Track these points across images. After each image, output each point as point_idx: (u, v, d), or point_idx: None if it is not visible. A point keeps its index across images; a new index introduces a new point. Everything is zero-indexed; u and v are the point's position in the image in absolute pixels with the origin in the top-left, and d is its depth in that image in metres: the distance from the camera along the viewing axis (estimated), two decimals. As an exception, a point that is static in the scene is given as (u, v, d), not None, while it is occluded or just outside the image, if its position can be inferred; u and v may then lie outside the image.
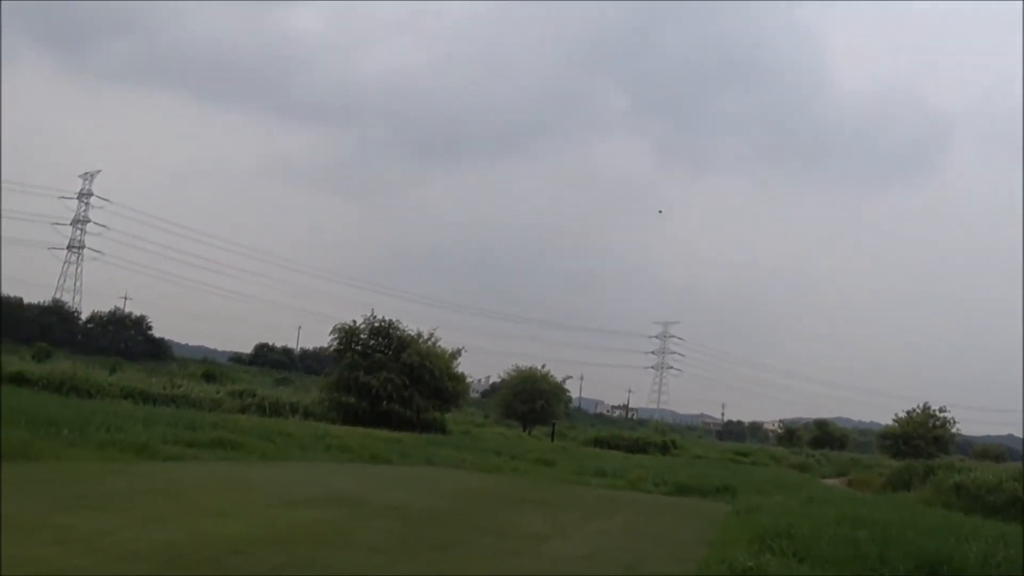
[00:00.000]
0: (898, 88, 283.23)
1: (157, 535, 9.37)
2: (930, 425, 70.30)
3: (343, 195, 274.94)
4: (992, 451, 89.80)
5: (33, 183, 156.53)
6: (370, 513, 13.38)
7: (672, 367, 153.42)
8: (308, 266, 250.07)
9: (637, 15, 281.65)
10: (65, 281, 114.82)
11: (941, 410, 71.87)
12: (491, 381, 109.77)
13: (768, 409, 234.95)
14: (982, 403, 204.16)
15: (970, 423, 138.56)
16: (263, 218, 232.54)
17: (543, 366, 63.06)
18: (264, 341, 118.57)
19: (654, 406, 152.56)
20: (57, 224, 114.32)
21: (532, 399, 59.26)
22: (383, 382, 39.44)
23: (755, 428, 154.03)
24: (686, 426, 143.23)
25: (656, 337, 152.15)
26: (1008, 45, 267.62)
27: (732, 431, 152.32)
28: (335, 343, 42.91)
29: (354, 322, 42.90)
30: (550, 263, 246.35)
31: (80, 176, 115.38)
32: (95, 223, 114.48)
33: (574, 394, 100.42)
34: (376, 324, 42.61)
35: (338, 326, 42.74)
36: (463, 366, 44.82)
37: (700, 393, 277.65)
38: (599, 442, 55.80)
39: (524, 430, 60.52)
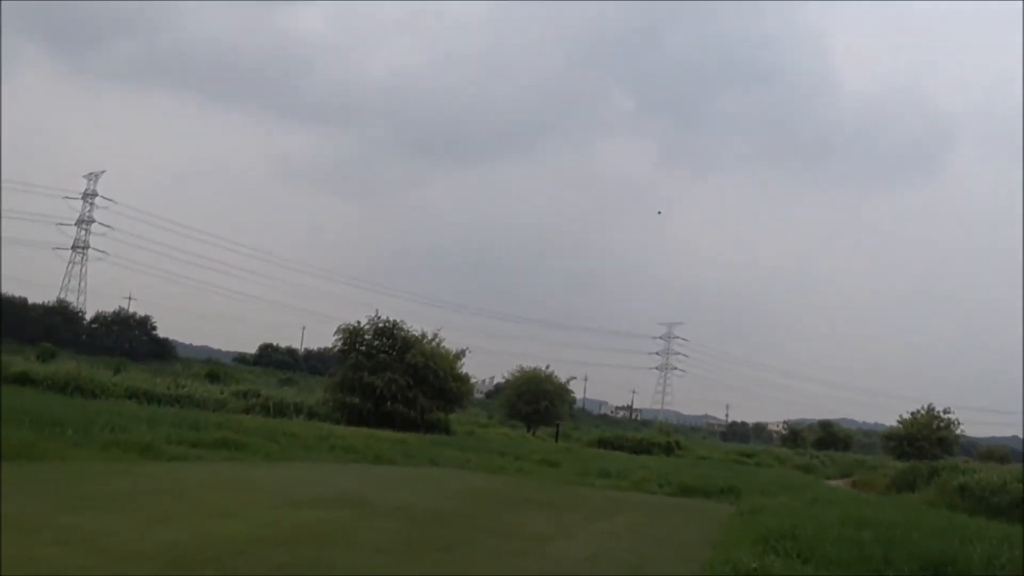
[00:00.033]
0: (900, 88, 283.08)
1: (161, 535, 9.38)
2: (934, 426, 70.28)
3: (345, 195, 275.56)
4: (996, 452, 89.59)
5: (37, 183, 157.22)
6: (374, 514, 13.37)
7: (676, 368, 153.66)
8: (311, 266, 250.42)
9: (640, 15, 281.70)
10: (69, 281, 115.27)
11: (945, 411, 71.95)
12: (495, 382, 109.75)
13: (772, 410, 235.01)
14: (986, 404, 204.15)
15: (974, 424, 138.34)
16: (266, 218, 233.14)
17: (547, 367, 63.26)
18: (268, 341, 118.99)
19: (658, 407, 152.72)
20: (61, 224, 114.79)
21: (536, 400, 59.28)
22: (387, 383, 39.45)
23: (759, 429, 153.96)
24: (690, 427, 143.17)
25: (660, 338, 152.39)
26: (1009, 45, 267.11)
27: (736, 432, 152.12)
28: (339, 343, 42.92)
29: (358, 323, 42.96)
30: (552, 263, 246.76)
31: (84, 176, 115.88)
32: (99, 223, 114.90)
33: (578, 395, 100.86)
34: (380, 325, 42.64)
35: (342, 326, 42.78)
36: (467, 367, 44.93)
37: (704, 394, 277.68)
38: (603, 443, 55.76)
39: (528, 431, 60.48)
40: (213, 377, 54.44)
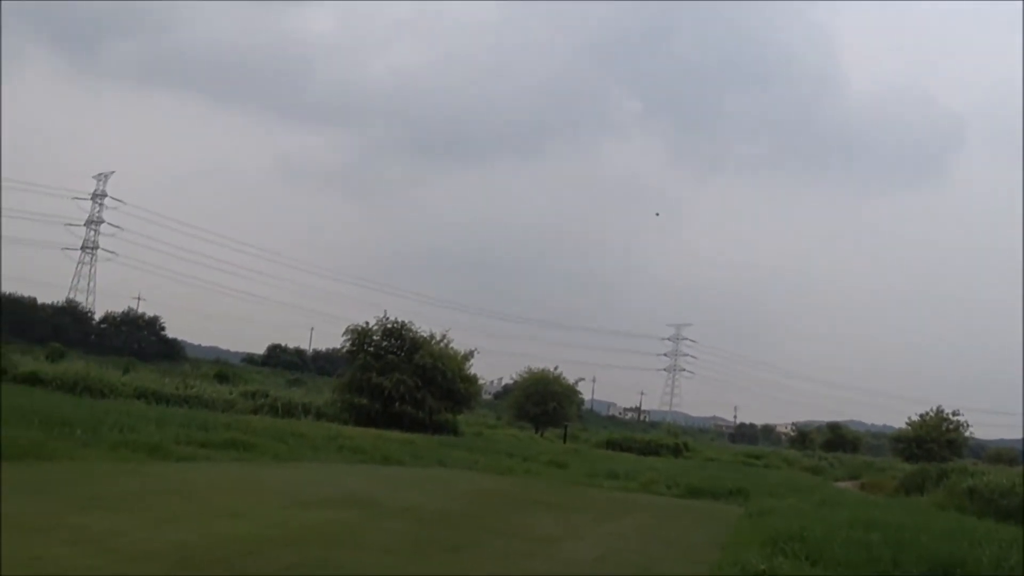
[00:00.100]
0: (906, 88, 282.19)
1: (170, 535, 9.40)
2: (943, 429, 69.95)
3: (349, 195, 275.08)
4: (1005, 455, 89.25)
5: (47, 184, 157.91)
6: (383, 514, 13.39)
7: (684, 369, 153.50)
8: (318, 267, 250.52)
9: (646, 16, 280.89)
10: (79, 281, 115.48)
11: (954, 413, 71.56)
12: (503, 383, 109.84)
13: (781, 412, 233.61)
14: (997, 406, 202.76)
15: (983, 427, 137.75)
16: (271, 218, 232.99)
17: (555, 368, 63.20)
18: (277, 342, 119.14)
19: (666, 408, 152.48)
20: (70, 225, 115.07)
21: (544, 401, 59.28)
22: (395, 383, 39.44)
23: (768, 431, 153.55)
24: (698, 428, 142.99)
25: (668, 339, 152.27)
26: (1012, 45, 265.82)
27: (744, 434, 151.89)
28: (348, 344, 42.94)
29: (367, 323, 42.99)
30: (558, 264, 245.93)
31: (94, 177, 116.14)
32: (109, 224, 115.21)
33: (586, 396, 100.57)
34: (389, 325, 42.62)
35: (351, 327, 42.80)
36: (475, 368, 44.90)
37: (712, 395, 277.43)
38: (611, 444, 55.65)
39: (536, 432, 60.46)
40: (222, 378, 54.52)
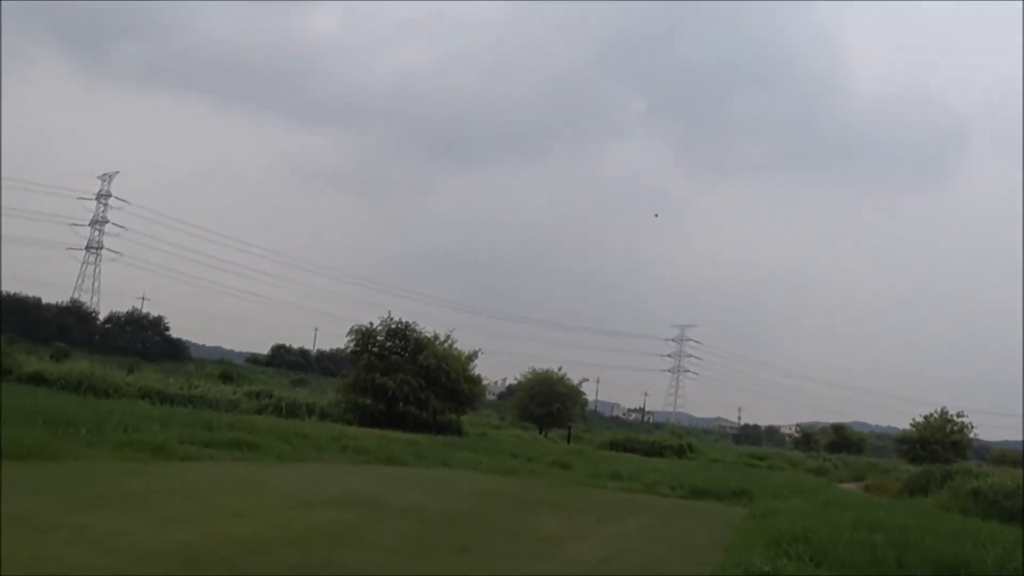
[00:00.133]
0: (909, 88, 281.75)
1: (174, 535, 9.41)
2: (948, 430, 69.84)
3: (355, 196, 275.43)
4: (1010, 456, 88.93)
5: (52, 184, 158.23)
6: (386, 515, 13.39)
7: (688, 370, 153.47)
8: (322, 267, 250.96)
9: (650, 17, 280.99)
10: (83, 281, 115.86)
11: (959, 415, 71.44)
12: (507, 383, 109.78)
13: (785, 413, 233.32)
14: (997, 407, 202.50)
15: (988, 428, 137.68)
16: (277, 219, 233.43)
17: (559, 368, 63.14)
18: (281, 342, 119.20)
19: (670, 409, 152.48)
20: (75, 225, 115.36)
21: (548, 402, 59.21)
22: (400, 384, 39.48)
23: (772, 432, 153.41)
24: (702, 429, 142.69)
25: (672, 340, 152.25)
26: (1013, 45, 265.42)
27: (749, 435, 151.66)
28: (352, 345, 42.97)
29: (371, 324, 43.02)
30: (560, 264, 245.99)
31: (98, 177, 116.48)
32: (113, 224, 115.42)
33: (590, 397, 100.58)
34: (393, 326, 42.67)
35: (355, 328, 42.84)
36: (479, 368, 44.91)
37: (716, 396, 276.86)
38: (615, 445, 55.63)
39: (540, 432, 60.39)
40: (226, 377, 54.65)
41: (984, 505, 23.58)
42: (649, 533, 15.59)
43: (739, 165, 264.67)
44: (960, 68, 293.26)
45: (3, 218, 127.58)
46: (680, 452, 55.12)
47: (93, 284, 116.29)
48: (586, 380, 70.75)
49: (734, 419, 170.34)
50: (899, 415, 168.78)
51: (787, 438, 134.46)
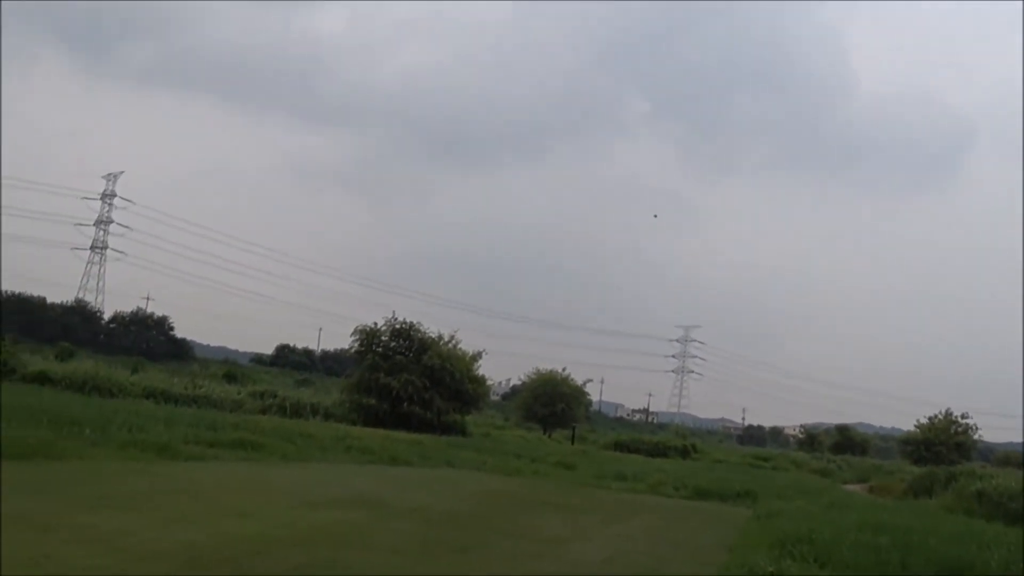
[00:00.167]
0: (914, 89, 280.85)
1: (178, 535, 9.42)
2: (952, 431, 69.80)
3: (359, 196, 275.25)
4: (1014, 458, 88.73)
5: (56, 184, 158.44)
6: (391, 515, 13.40)
7: (692, 371, 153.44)
8: (326, 267, 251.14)
9: (654, 17, 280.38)
10: (88, 281, 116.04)
11: (963, 416, 71.43)
12: (511, 384, 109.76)
13: (789, 414, 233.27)
14: (997, 407, 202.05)
15: (992, 429, 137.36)
16: (281, 219, 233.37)
17: (563, 369, 63.15)
18: (285, 342, 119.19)
19: (674, 410, 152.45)
20: (80, 225, 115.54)
21: (552, 402, 59.23)
22: (404, 384, 39.51)
23: (776, 433, 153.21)
24: (706, 430, 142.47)
25: (676, 340, 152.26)
26: (1015, 45, 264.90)
27: (753, 436, 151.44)
28: (356, 345, 43.03)
29: (375, 324, 43.06)
30: (563, 265, 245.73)
31: (103, 177, 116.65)
32: (118, 224, 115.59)
33: (594, 397, 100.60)
34: (397, 326, 42.72)
35: (359, 328, 42.90)
36: (483, 368, 44.95)
37: (721, 397, 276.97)
38: (619, 446, 55.55)
39: (544, 433, 60.45)
40: (230, 377, 54.63)
41: (988, 507, 23.56)
42: (653, 534, 15.58)
43: (740, 165, 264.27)
44: (961, 68, 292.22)
45: (8, 217, 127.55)
46: (684, 453, 55.03)
47: (98, 284, 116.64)
48: (590, 381, 70.95)
49: (738, 420, 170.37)
50: (901, 416, 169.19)
51: (791, 439, 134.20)
